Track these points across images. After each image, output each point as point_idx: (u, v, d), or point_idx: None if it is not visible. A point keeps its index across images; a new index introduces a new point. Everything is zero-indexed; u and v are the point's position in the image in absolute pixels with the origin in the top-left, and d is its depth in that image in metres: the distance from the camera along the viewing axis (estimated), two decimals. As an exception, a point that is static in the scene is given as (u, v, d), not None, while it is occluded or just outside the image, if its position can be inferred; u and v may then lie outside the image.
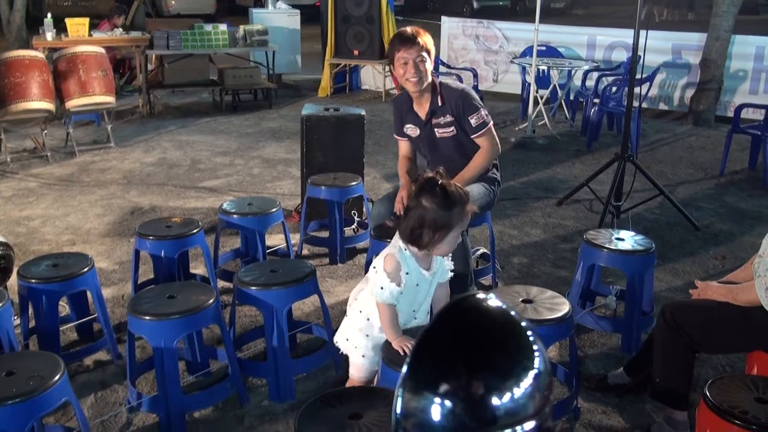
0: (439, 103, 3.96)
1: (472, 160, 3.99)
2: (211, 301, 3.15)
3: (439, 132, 4.01)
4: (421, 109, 4.03)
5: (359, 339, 2.90)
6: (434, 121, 4.00)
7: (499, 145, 4.09)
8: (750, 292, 2.78)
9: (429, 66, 3.87)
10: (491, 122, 4.03)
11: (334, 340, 3.04)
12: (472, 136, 3.99)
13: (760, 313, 2.73)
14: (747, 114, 7.46)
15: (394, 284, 2.68)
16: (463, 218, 2.65)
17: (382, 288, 2.69)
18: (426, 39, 3.87)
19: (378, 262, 2.77)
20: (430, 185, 2.62)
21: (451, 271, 2.91)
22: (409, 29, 3.92)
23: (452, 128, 3.99)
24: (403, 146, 4.23)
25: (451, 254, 2.84)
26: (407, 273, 2.71)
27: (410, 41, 3.83)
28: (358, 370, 2.94)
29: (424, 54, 3.83)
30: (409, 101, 4.07)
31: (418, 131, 4.08)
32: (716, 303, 2.92)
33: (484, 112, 4.00)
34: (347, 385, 3.00)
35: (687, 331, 2.90)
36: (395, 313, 2.75)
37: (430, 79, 3.90)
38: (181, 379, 3.23)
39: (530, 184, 6.69)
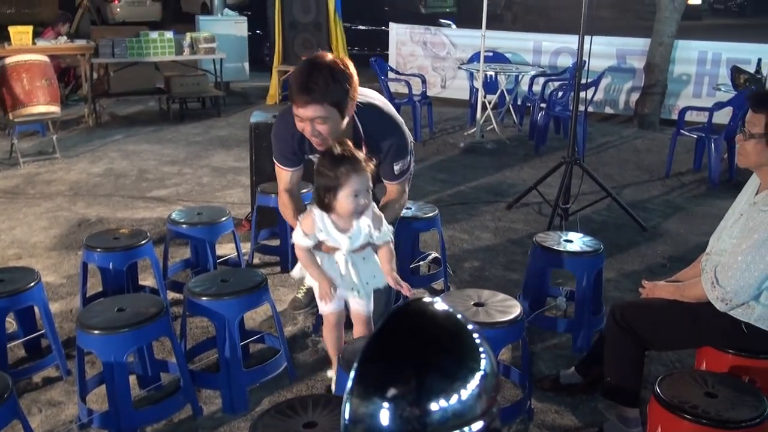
0: (363, 149, 3.02)
1: (387, 209, 3.19)
2: (161, 313, 3.11)
3: None
4: None
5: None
6: None
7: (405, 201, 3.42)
8: (696, 288, 2.85)
9: (335, 125, 2.92)
10: (410, 175, 3.34)
11: (292, 274, 3.15)
12: (385, 181, 3.26)
13: (707, 309, 2.79)
14: (691, 117, 7.62)
15: (307, 239, 2.87)
16: (352, 178, 2.70)
17: (295, 233, 2.91)
18: (334, 88, 2.84)
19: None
20: (325, 152, 2.79)
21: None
22: (313, 62, 2.90)
23: None
24: (290, 177, 3.31)
25: (391, 222, 2.95)
26: (320, 230, 2.83)
27: (305, 93, 2.83)
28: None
29: (325, 115, 2.87)
30: None
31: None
32: (664, 301, 2.98)
33: (411, 157, 3.30)
34: (324, 325, 3.16)
35: (636, 329, 2.96)
36: (312, 255, 2.91)
37: (340, 131, 2.98)
38: (133, 393, 3.18)
39: (480, 189, 6.74)
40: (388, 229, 2.94)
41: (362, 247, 2.93)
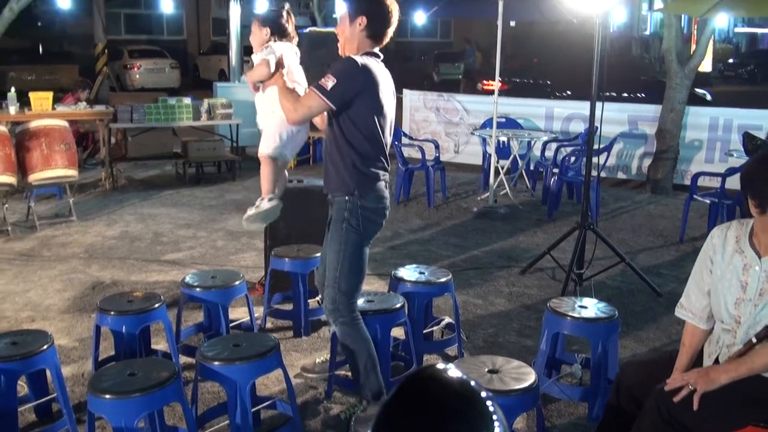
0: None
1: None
2: (173, 378, 3.10)
3: None
4: None
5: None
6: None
7: (299, 112, 3.49)
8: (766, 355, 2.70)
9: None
10: (324, 95, 3.36)
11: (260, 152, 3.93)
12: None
13: (761, 386, 2.71)
14: (704, 182, 7.64)
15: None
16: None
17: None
18: None
19: None
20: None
21: None
22: None
23: None
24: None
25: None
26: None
27: None
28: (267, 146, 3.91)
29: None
30: None
31: None
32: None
33: (331, 80, 3.36)
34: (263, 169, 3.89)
35: (685, 423, 2.76)
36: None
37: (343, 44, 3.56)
38: (142, 458, 3.15)
39: (493, 254, 6.74)
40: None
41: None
